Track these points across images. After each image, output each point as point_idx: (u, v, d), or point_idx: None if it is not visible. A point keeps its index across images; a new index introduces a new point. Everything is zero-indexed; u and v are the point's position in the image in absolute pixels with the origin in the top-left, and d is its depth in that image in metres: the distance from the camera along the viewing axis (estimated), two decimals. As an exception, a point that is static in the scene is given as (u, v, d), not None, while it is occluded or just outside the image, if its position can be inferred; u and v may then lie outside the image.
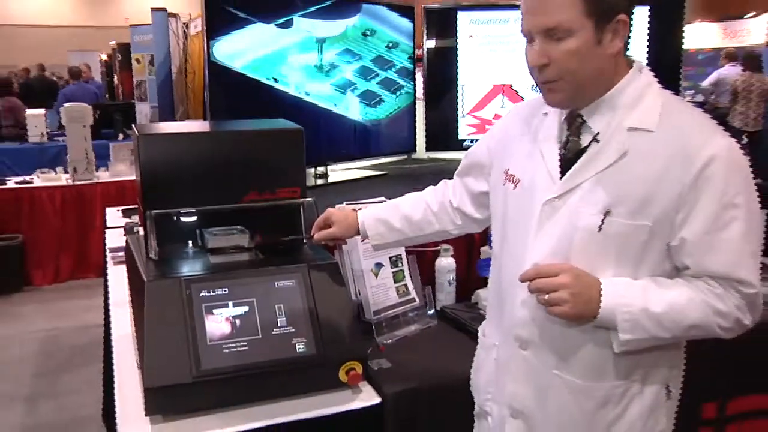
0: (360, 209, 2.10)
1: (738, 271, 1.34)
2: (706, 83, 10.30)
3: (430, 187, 1.86)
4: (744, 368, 2.31)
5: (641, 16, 3.85)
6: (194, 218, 2.01)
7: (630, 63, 1.42)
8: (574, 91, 1.38)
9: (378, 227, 1.80)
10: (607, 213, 1.36)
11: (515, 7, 3.43)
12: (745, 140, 9.04)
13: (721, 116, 9.26)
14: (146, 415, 1.69)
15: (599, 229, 1.37)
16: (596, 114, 1.41)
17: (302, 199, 2.04)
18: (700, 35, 11.95)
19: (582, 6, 1.29)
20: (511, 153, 1.57)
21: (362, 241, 1.90)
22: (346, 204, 2.25)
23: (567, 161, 1.43)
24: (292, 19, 3.22)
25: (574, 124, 1.44)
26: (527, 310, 1.47)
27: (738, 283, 1.35)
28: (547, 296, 1.35)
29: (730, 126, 8.96)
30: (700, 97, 10.92)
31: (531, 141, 1.52)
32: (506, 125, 1.67)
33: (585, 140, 1.42)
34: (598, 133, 1.40)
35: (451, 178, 1.83)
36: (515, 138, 1.58)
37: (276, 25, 3.17)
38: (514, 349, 1.51)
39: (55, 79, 13.15)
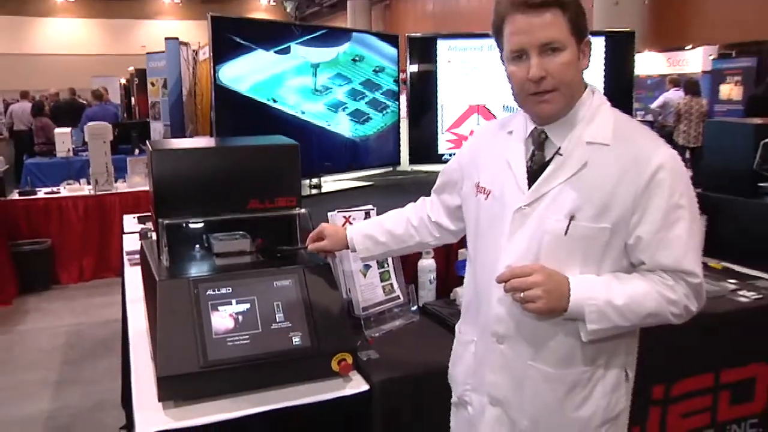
0: (350, 216, 2.08)
1: (685, 263, 1.36)
2: (654, 105, 10.38)
3: (411, 204, 1.84)
4: (685, 355, 2.33)
5: (598, 47, 3.85)
6: (201, 225, 1.98)
7: (585, 85, 1.44)
8: (565, 101, 1.38)
9: (365, 242, 1.79)
10: (572, 218, 1.37)
11: (488, 36, 3.42)
12: (688, 155, 9.10)
13: (667, 134, 9.32)
14: (159, 400, 1.67)
15: (566, 233, 1.37)
16: (558, 130, 1.41)
17: (298, 211, 2.01)
18: (648, 63, 12.06)
19: (569, 26, 1.33)
20: (480, 168, 1.56)
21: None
22: (338, 212, 2.23)
23: (533, 173, 1.43)
24: (289, 46, 3.20)
25: (538, 140, 1.44)
26: (503, 307, 1.46)
27: (685, 274, 1.37)
28: (522, 294, 1.34)
29: (674, 143, 9.01)
30: (649, 117, 11.00)
31: (499, 156, 1.51)
32: (475, 144, 1.66)
33: (548, 154, 1.43)
34: (560, 147, 1.40)
35: (429, 193, 1.81)
36: (484, 154, 1.57)
37: (275, 51, 3.15)
38: (492, 344, 1.50)
39: (83, 101, 13.08)
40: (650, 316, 1.38)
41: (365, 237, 1.79)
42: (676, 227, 1.35)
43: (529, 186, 1.42)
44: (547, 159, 1.42)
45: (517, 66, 1.37)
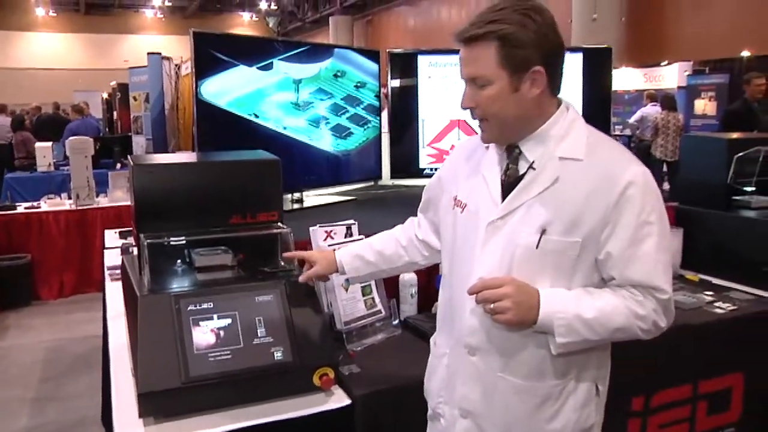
0: (332, 231, 2.08)
1: (654, 279, 1.37)
2: (632, 120, 10.50)
3: (399, 225, 1.84)
4: (663, 367, 2.36)
5: (576, 62, 3.90)
6: (183, 239, 1.97)
7: (558, 102, 1.46)
8: (499, 129, 1.43)
9: (354, 262, 1.77)
10: (543, 232, 1.38)
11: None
12: (665, 169, 9.20)
13: (645, 148, 9.43)
14: (140, 417, 1.65)
15: (537, 246, 1.39)
16: (531, 146, 1.43)
17: (281, 229, 2.00)
18: (625, 79, 12.23)
19: (496, 60, 1.35)
20: (458, 182, 1.57)
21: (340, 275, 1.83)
22: (320, 226, 2.22)
23: (507, 187, 1.45)
24: (272, 62, 3.21)
25: (513, 155, 1.46)
26: (475, 319, 1.46)
27: (654, 290, 1.38)
28: (492, 305, 1.35)
29: (652, 156, 9.12)
30: (628, 131, 11.14)
31: (475, 170, 1.53)
32: (454, 159, 1.66)
33: (522, 168, 1.44)
34: (533, 162, 1.42)
35: (409, 207, 1.81)
36: (462, 169, 1.58)
37: (258, 68, 3.15)
38: (463, 356, 1.50)
39: (67, 115, 12.97)
40: (619, 331, 1.39)
41: (354, 257, 1.77)
42: (645, 243, 1.36)
43: (503, 200, 1.44)
44: (521, 173, 1.44)
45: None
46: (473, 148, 1.58)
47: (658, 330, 1.41)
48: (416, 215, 1.81)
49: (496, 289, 1.35)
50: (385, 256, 1.77)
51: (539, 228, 1.38)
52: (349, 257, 1.78)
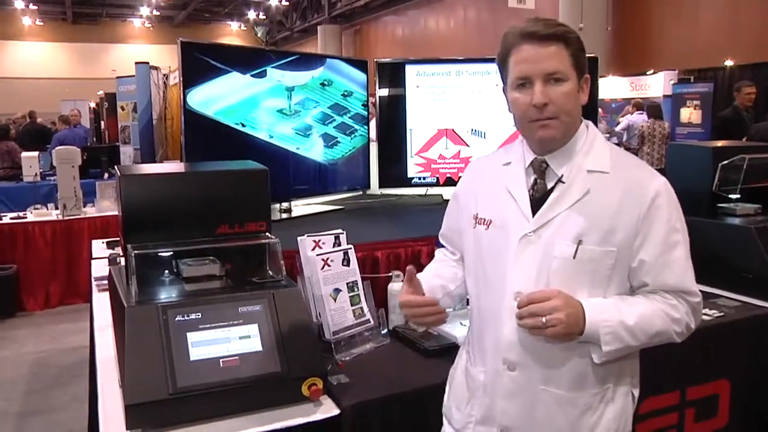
0: (320, 241, 2.06)
1: (686, 283, 1.44)
2: (619, 128, 10.57)
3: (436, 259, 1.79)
4: (651, 374, 2.34)
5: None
6: (171, 251, 1.96)
7: (580, 119, 1.51)
8: (564, 128, 1.44)
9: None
10: (580, 242, 1.41)
11: (454, 61, 3.45)
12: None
13: (631, 156, 9.48)
14: (127, 429, 1.63)
15: (574, 257, 1.41)
16: (558, 160, 1.47)
17: (269, 240, 2.00)
18: (612, 87, 12.32)
19: (571, 61, 1.41)
20: (478, 199, 1.58)
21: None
22: (308, 236, 2.22)
23: (536, 201, 1.47)
24: (265, 69, 3.20)
25: (539, 169, 1.49)
26: (514, 334, 1.46)
27: (686, 293, 1.44)
28: (544, 319, 1.35)
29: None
30: (614, 140, 11.21)
31: (498, 186, 1.54)
32: (471, 177, 1.66)
33: (550, 182, 1.47)
34: (562, 175, 1.45)
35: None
36: (481, 187, 1.59)
37: (251, 75, 3.14)
38: (502, 372, 1.50)
39: (48, 125, 12.88)
40: (657, 335, 1.43)
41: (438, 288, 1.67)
42: (676, 249, 1.42)
43: (533, 213, 1.45)
44: (549, 187, 1.46)
45: (521, 93, 1.43)
46: (490, 166, 1.60)
47: (689, 332, 1.47)
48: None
49: (545, 302, 1.36)
50: (444, 277, 1.70)
51: (575, 238, 1.41)
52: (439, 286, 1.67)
